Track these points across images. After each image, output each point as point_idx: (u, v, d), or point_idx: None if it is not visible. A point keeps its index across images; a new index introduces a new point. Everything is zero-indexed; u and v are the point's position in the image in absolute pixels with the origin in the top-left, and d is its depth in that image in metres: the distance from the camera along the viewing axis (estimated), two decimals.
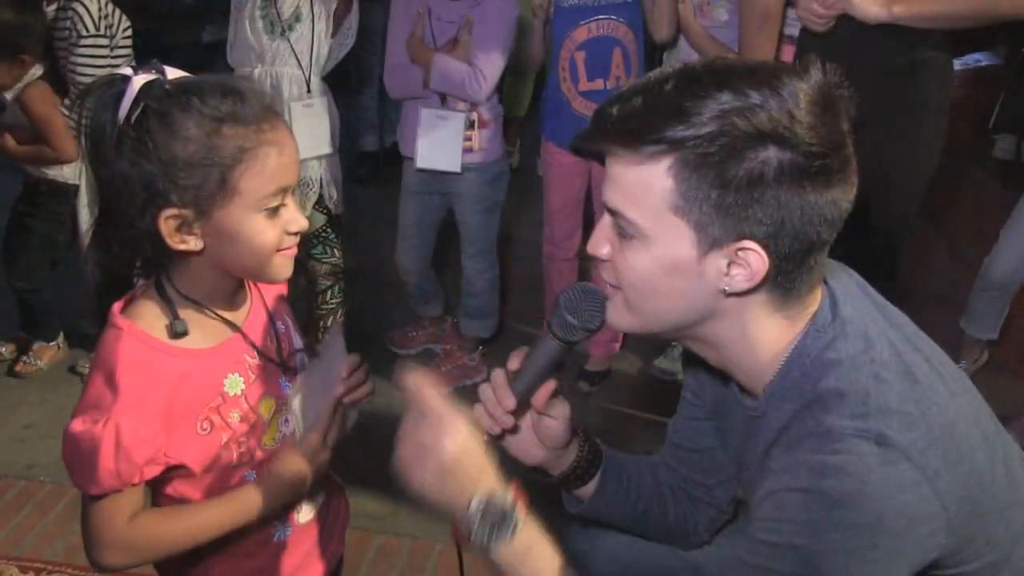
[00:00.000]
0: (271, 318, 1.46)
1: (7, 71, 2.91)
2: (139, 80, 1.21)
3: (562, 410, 1.36)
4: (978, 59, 5.11)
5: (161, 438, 1.25)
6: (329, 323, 3.18)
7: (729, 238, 1.06)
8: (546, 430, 1.37)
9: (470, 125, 2.98)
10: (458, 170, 3.00)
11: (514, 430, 1.33)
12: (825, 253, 1.12)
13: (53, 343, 3.37)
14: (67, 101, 3.02)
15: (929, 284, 3.93)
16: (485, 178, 3.10)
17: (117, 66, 2.92)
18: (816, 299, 1.16)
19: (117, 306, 1.29)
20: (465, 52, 2.86)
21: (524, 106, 4.89)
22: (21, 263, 3.20)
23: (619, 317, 1.19)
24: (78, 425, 1.23)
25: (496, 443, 1.30)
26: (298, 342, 1.52)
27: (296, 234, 1.30)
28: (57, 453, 2.75)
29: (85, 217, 3.04)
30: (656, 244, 1.09)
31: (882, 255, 2.52)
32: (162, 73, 1.23)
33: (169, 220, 1.22)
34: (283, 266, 1.31)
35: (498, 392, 1.29)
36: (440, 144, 3.00)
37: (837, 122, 1.05)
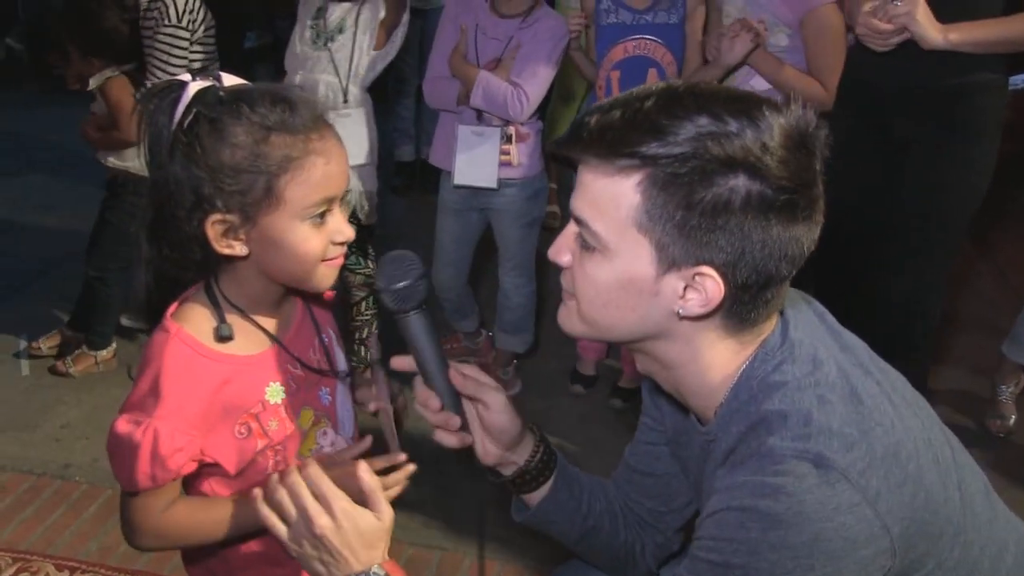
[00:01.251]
0: (316, 329, 1.49)
1: (78, 64, 3.18)
2: (194, 86, 1.25)
3: (495, 398, 1.37)
4: None
5: (197, 444, 1.29)
6: (364, 335, 3.25)
7: (688, 261, 1.07)
8: (490, 423, 1.38)
9: (507, 139, 3.03)
10: (494, 186, 3.05)
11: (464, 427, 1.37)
12: (784, 288, 1.14)
13: (99, 352, 3.47)
14: (140, 91, 3.17)
15: (972, 307, 3.95)
16: (525, 194, 3.14)
17: (195, 61, 3.16)
18: (770, 326, 1.18)
19: (170, 308, 1.33)
20: (506, 72, 2.92)
21: (563, 131, 4.89)
22: (96, 251, 3.35)
23: (570, 324, 1.21)
24: (122, 425, 1.28)
25: (470, 453, 1.36)
26: (342, 357, 1.54)
27: (342, 244, 1.32)
28: (92, 454, 2.96)
29: None
30: (616, 258, 1.10)
31: (927, 276, 2.55)
32: (218, 80, 1.27)
33: (215, 225, 1.25)
34: (327, 276, 1.33)
35: (420, 398, 1.34)
36: (477, 160, 3.05)
37: (809, 160, 1.07)
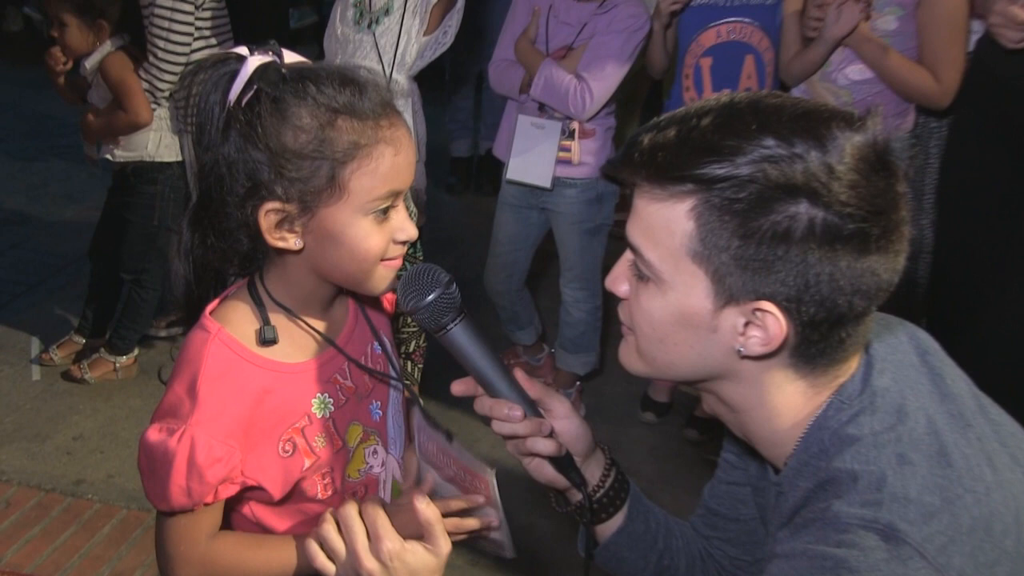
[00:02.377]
0: (373, 335, 1.49)
1: (84, 35, 3.18)
2: (255, 61, 1.24)
3: (560, 403, 1.37)
4: None
5: (237, 457, 1.28)
6: (411, 348, 3.23)
7: (747, 295, 1.06)
8: (560, 431, 1.37)
9: (569, 135, 3.00)
10: (547, 186, 3.05)
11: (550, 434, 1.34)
12: (864, 325, 1.11)
13: (120, 357, 3.49)
14: (144, 67, 3.25)
15: None
16: (586, 196, 3.13)
17: (203, 31, 3.19)
18: (849, 368, 1.15)
19: (210, 306, 1.33)
20: (574, 62, 2.90)
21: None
22: (124, 253, 3.38)
23: (630, 361, 1.20)
24: (154, 434, 1.26)
25: (569, 461, 1.35)
26: (396, 366, 1.54)
27: (404, 243, 1.32)
28: (107, 469, 2.95)
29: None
30: (671, 290, 1.10)
31: None
32: (279, 56, 1.26)
33: (270, 214, 1.25)
34: (385, 277, 1.33)
35: (496, 411, 1.30)
36: (534, 155, 3.07)
37: (888, 183, 1.04)
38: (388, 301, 1.56)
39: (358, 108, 1.24)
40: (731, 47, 2.93)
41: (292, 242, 1.27)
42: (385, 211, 1.28)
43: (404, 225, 1.31)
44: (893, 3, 2.73)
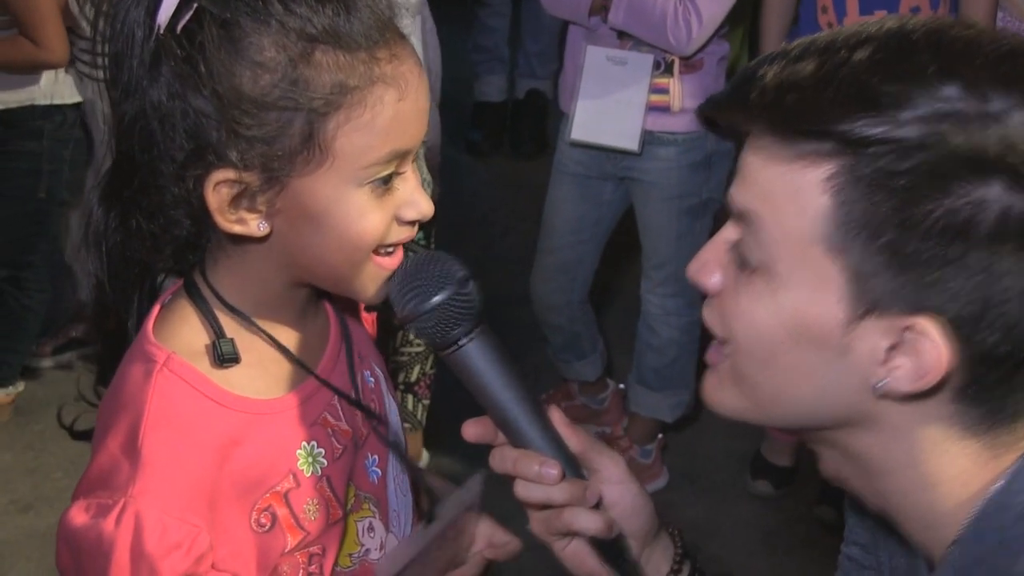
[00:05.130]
0: (358, 360, 1.45)
1: None
2: None
3: (613, 464, 1.32)
4: None
5: (203, 539, 1.20)
6: (414, 377, 3.08)
7: (898, 306, 0.99)
8: (610, 502, 1.32)
9: (666, 70, 2.98)
10: (635, 148, 3.01)
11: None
12: None
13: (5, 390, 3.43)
14: None
15: None
16: (692, 159, 3.10)
17: None
18: None
19: (150, 323, 1.27)
20: None
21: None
22: None
23: (717, 392, 1.15)
24: (79, 515, 1.18)
25: (622, 546, 1.30)
26: (393, 407, 1.52)
27: (413, 223, 1.26)
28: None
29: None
30: (787, 288, 1.04)
31: None
32: None
33: (222, 187, 1.17)
34: (377, 277, 1.27)
35: (522, 468, 1.26)
36: (611, 104, 3.04)
37: None
38: (367, 318, 1.55)
39: (344, 33, 1.17)
40: None
41: (254, 226, 1.20)
42: (387, 180, 1.22)
43: (414, 198, 1.26)
44: None
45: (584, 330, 3.33)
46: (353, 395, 1.42)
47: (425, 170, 2.92)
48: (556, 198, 3.15)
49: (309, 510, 1.32)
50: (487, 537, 1.48)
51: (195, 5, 1.16)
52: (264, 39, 1.16)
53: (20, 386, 3.44)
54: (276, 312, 1.32)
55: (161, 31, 1.16)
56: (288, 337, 1.33)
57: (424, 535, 1.41)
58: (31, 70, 3.20)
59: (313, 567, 1.34)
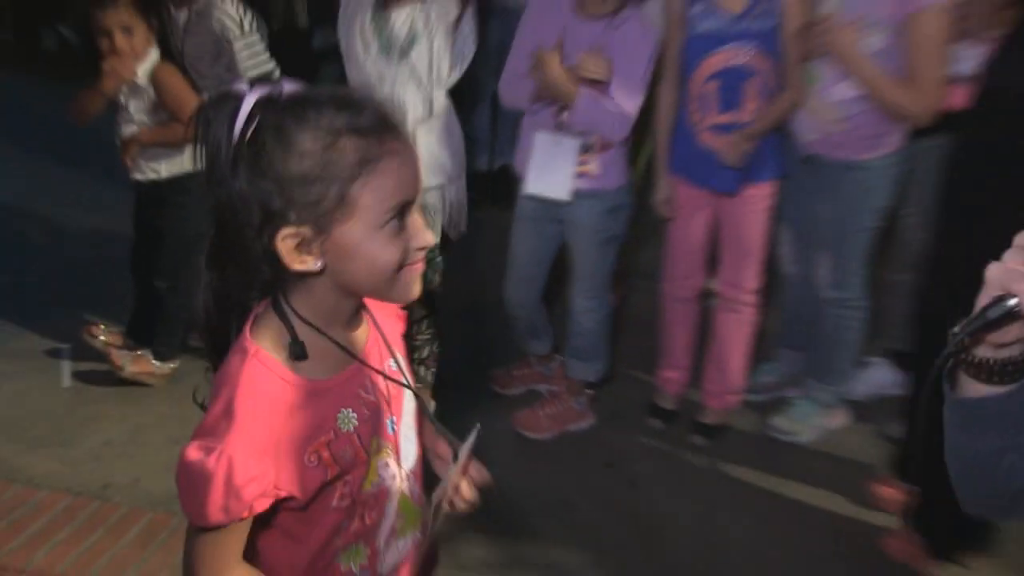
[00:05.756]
0: (389, 352, 1.52)
1: (148, 39, 3.29)
2: (254, 95, 1.26)
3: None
4: None
5: (271, 473, 1.30)
6: (425, 354, 3.30)
7: None
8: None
9: (586, 149, 3.07)
10: (567, 198, 3.10)
11: None
12: None
13: (162, 363, 3.57)
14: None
15: None
16: (603, 207, 3.17)
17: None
18: None
19: (247, 327, 1.36)
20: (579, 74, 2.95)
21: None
22: (161, 263, 3.46)
23: None
24: (193, 452, 1.27)
25: None
26: (411, 381, 1.57)
27: (422, 249, 1.34)
28: (134, 474, 3.09)
29: None
30: None
31: None
32: (278, 86, 1.29)
33: (287, 240, 1.26)
34: (410, 284, 1.36)
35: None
36: (552, 169, 3.11)
37: None
38: (400, 317, 1.58)
39: (359, 126, 1.26)
40: (734, 71, 2.97)
41: (312, 263, 1.29)
42: (399, 221, 1.30)
43: (420, 232, 1.33)
44: (879, 24, 2.81)
45: (539, 320, 3.49)
46: (384, 375, 1.49)
47: (437, 207, 3.16)
48: (517, 234, 3.31)
49: (343, 454, 1.39)
50: (477, 470, 1.56)
51: (256, 120, 1.24)
52: (305, 135, 1.24)
53: (176, 362, 3.59)
54: (332, 319, 1.38)
55: (236, 140, 1.24)
56: (340, 335, 1.40)
57: (455, 468, 1.51)
58: (184, 144, 3.24)
59: (346, 490, 1.42)
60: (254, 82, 1.28)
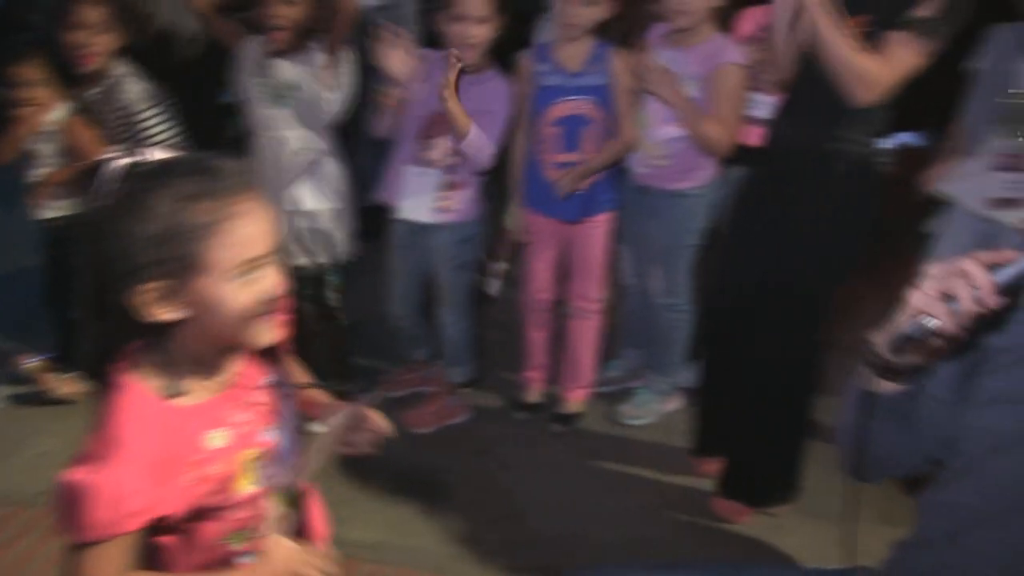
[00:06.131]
0: (267, 370, 1.55)
1: (55, 91, 3.40)
2: (122, 163, 1.30)
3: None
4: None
5: (151, 491, 1.31)
6: (327, 365, 3.38)
7: None
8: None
9: (447, 187, 3.35)
10: (433, 221, 3.36)
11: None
12: None
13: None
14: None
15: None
16: (458, 236, 3.43)
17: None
18: None
19: (122, 364, 1.38)
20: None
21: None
22: (74, 295, 3.46)
23: None
24: (75, 474, 1.28)
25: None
26: (290, 398, 1.60)
27: (274, 300, 1.38)
28: None
29: None
30: None
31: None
32: (140, 157, 1.32)
33: (149, 293, 1.30)
34: (265, 330, 1.40)
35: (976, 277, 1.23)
36: (418, 198, 3.37)
37: None
38: (283, 330, 1.55)
39: (209, 190, 1.29)
40: (574, 119, 3.37)
41: (174, 314, 1.33)
42: (252, 274, 1.34)
43: (271, 285, 1.37)
44: (692, 77, 3.21)
45: (418, 330, 3.74)
46: (259, 395, 1.51)
47: (339, 246, 3.39)
48: (393, 260, 3.58)
49: (214, 469, 1.40)
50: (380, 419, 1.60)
51: (120, 187, 1.27)
52: (161, 200, 1.26)
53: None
54: (206, 355, 1.41)
55: (100, 204, 1.28)
56: (212, 362, 1.42)
57: (333, 425, 1.55)
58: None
59: (220, 497, 1.43)
60: (126, 151, 1.32)
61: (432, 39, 3.44)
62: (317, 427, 1.56)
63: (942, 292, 1.22)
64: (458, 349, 3.70)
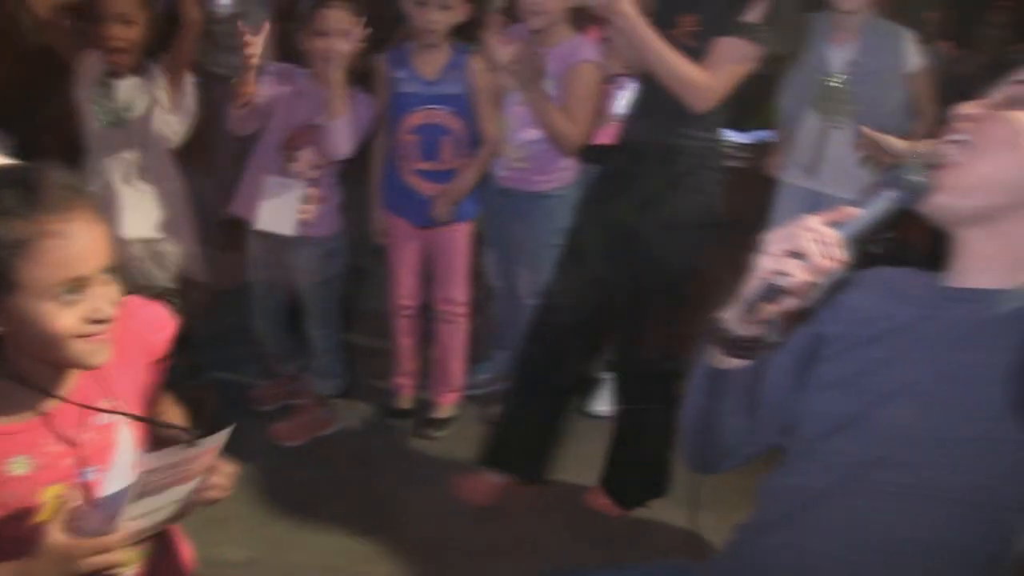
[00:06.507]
0: (102, 394, 1.49)
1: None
2: None
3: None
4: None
5: None
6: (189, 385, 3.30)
7: None
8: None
9: (306, 200, 3.34)
10: (294, 233, 3.33)
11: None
12: None
13: None
14: None
15: None
16: (320, 251, 3.44)
17: None
18: None
19: None
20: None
21: None
22: None
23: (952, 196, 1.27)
24: None
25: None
26: (129, 431, 1.52)
27: (101, 322, 1.34)
28: None
29: None
30: None
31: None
32: None
33: None
34: (90, 351, 1.36)
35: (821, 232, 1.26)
36: (278, 209, 3.33)
37: None
38: (149, 345, 1.56)
39: (23, 208, 1.26)
40: (432, 128, 3.41)
41: None
42: (74, 294, 1.30)
43: (98, 305, 1.33)
44: (549, 76, 3.25)
45: (284, 345, 3.71)
46: (80, 426, 1.43)
47: (183, 262, 3.31)
48: (254, 276, 3.53)
49: (12, 498, 1.36)
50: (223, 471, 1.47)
51: None
52: None
53: None
54: (32, 373, 1.37)
55: None
56: (36, 387, 1.38)
57: (174, 452, 1.34)
58: None
59: (15, 528, 1.37)
60: None
61: (291, 55, 3.44)
62: (143, 461, 1.37)
63: (789, 251, 1.24)
64: (326, 360, 3.70)
